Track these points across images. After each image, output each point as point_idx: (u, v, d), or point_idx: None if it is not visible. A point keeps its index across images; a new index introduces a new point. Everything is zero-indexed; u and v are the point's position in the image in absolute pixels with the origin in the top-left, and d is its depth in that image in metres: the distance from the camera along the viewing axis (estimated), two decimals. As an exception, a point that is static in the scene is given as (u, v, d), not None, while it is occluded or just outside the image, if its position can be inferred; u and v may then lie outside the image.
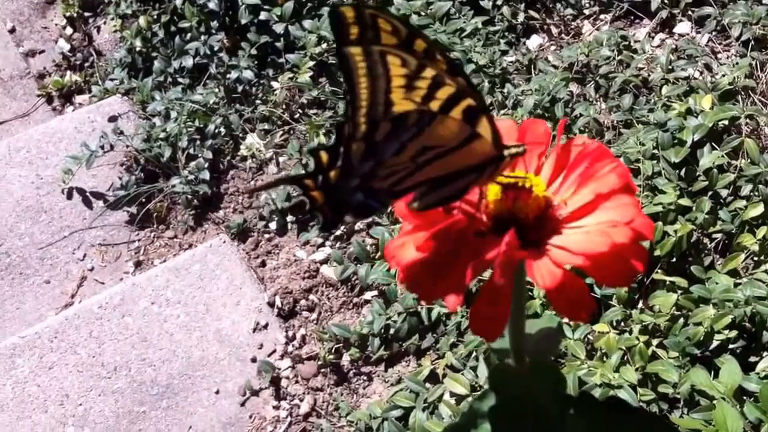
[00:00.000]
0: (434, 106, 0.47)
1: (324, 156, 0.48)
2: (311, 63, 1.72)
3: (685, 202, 1.40)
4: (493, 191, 0.48)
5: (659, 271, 1.38)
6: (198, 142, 1.73)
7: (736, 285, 1.33)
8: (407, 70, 0.46)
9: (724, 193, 1.46)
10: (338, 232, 1.56)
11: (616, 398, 0.82)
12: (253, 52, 1.80)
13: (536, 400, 0.51)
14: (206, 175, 1.68)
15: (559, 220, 0.48)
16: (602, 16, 1.89)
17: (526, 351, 0.53)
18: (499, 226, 0.48)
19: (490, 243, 0.46)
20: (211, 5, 1.85)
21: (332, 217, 0.50)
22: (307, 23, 1.78)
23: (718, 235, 1.44)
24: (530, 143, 0.50)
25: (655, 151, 1.47)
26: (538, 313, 1.33)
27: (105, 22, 2.13)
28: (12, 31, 2.18)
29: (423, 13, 1.74)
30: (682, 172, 1.46)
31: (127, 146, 1.75)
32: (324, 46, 1.75)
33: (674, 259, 1.40)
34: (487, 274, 0.46)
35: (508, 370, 0.52)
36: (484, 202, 0.49)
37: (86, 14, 2.16)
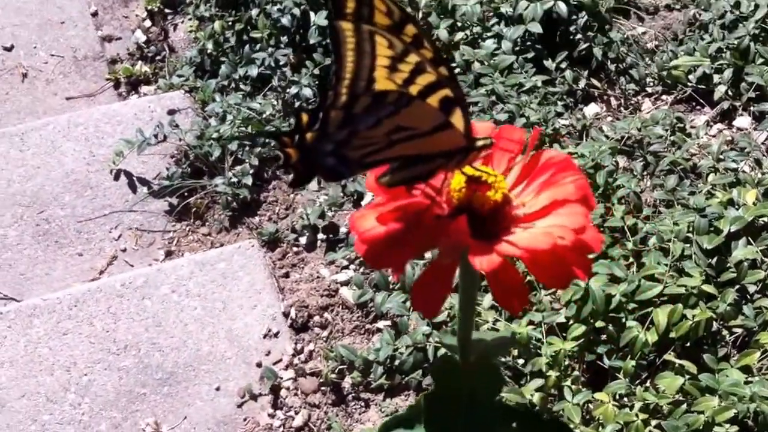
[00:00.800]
0: (413, 90, 0.50)
1: (305, 118, 0.51)
2: (369, 92, 1.76)
3: (709, 289, 1.40)
4: (456, 180, 0.51)
5: (672, 353, 1.38)
6: (247, 148, 1.77)
7: (746, 382, 1.33)
8: (393, 53, 0.49)
9: (751, 288, 1.45)
10: (364, 258, 1.58)
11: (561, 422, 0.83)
12: (316, 71, 1.85)
13: (472, 395, 0.53)
14: (249, 180, 1.72)
15: (515, 219, 0.51)
16: (664, 97, 1.91)
17: (473, 350, 0.55)
18: (456, 213, 0.51)
19: (443, 226, 0.49)
20: (284, 21, 1.91)
21: (304, 175, 0.53)
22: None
23: (739, 330, 1.43)
24: (504, 145, 0.53)
25: (689, 234, 1.47)
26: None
27: (183, 21, 2.20)
28: (94, 14, 2.26)
29: (485, 63, 1.78)
30: (713, 261, 1.46)
31: (180, 140, 1.80)
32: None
33: (689, 344, 1.39)
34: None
35: (451, 363, 0.55)
36: (447, 189, 0.51)
37: (166, 11, 2.23)
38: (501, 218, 0.51)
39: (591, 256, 1.45)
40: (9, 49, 2.16)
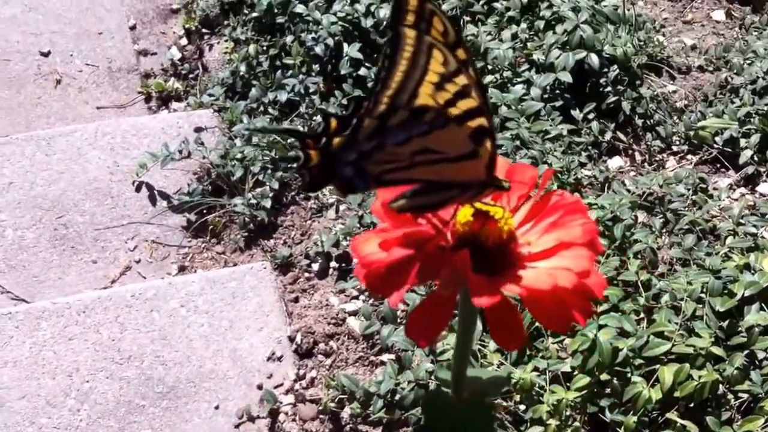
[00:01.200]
0: (452, 113, 0.49)
1: (333, 123, 0.51)
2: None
3: (718, 351, 1.39)
4: (463, 213, 0.51)
5: (675, 412, 1.36)
6: (269, 171, 1.79)
7: (748, 448, 1.31)
8: (445, 70, 0.48)
9: (761, 354, 1.44)
10: (375, 290, 1.59)
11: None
12: (344, 102, 1.86)
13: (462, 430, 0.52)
14: (268, 203, 1.73)
15: (519, 257, 0.51)
16: (689, 157, 1.90)
17: (467, 387, 0.54)
18: (460, 246, 0.50)
19: (446, 257, 0.49)
20: (317, 50, 1.93)
21: (319, 180, 0.52)
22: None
23: (744, 395, 1.42)
24: (515, 183, 0.53)
25: (703, 295, 1.46)
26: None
27: (218, 42, 2.23)
28: (133, 28, 2.30)
29: (513, 107, 1.79)
30: (724, 324, 1.45)
31: (204, 157, 1.82)
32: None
33: (693, 405, 1.38)
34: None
35: (443, 397, 0.54)
36: (453, 221, 0.51)
37: (204, 30, 2.26)
38: (505, 255, 0.50)
39: (601, 308, 1.44)
40: (46, 55, 2.20)
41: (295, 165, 1.74)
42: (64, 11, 2.30)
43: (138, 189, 1.81)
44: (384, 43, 0.49)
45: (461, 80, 0.48)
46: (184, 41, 2.28)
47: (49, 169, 1.82)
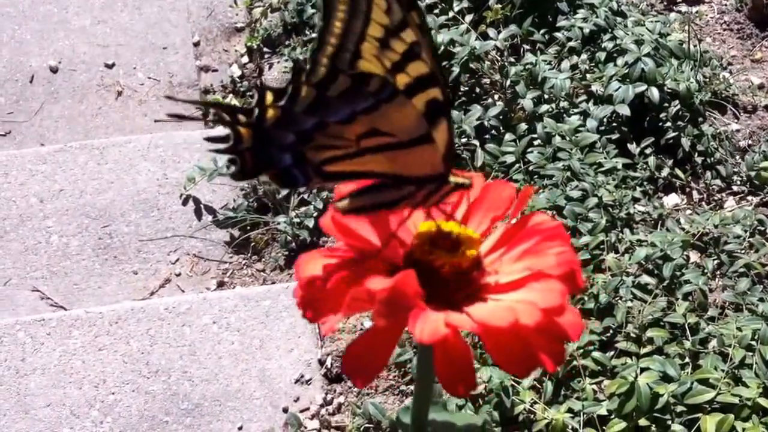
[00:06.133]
0: (401, 81, 0.43)
1: (270, 96, 0.45)
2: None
3: (765, 403, 1.31)
4: (421, 234, 0.45)
5: (717, 464, 1.29)
6: (315, 191, 1.77)
7: None
8: (388, 21, 0.42)
9: (814, 410, 1.36)
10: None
11: None
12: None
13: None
14: (311, 222, 1.72)
15: (483, 287, 0.45)
16: (749, 198, 1.82)
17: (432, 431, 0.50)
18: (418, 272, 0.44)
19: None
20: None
21: (251, 167, 0.45)
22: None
23: (794, 451, 1.34)
24: (490, 203, 0.47)
25: (753, 342, 1.39)
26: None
27: (278, 61, 2.23)
28: (196, 44, 2.32)
29: (567, 138, 1.74)
30: (775, 374, 1.37)
31: (251, 174, 1.81)
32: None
33: (736, 458, 1.31)
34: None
35: None
36: (410, 243, 0.46)
37: (265, 49, 2.27)
38: (466, 285, 0.44)
39: (644, 350, 1.37)
40: (110, 67, 2.23)
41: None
42: (132, 25, 2.33)
43: (185, 202, 1.81)
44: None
45: (408, 36, 0.42)
46: (245, 59, 2.28)
47: (99, 179, 1.83)
